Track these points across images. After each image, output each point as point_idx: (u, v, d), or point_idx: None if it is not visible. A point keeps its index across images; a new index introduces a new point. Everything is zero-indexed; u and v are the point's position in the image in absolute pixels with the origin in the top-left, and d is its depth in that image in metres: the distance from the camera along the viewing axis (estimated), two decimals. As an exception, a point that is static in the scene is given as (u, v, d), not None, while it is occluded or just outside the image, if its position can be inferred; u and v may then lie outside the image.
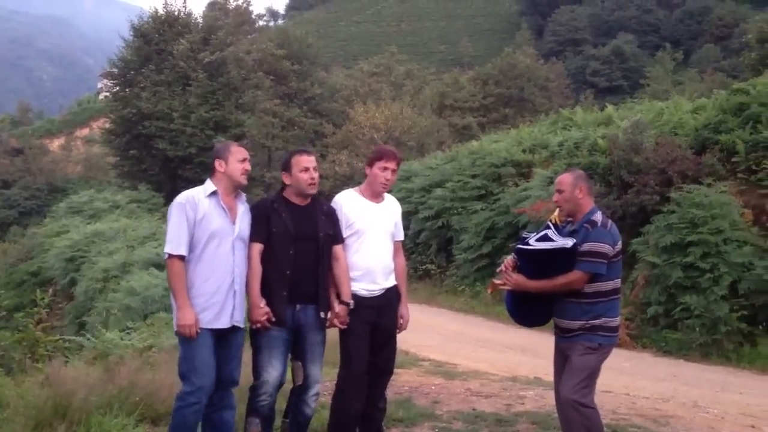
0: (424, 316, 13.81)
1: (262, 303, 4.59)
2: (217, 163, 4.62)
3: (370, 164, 5.03)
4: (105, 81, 45.38)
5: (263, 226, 4.69)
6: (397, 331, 5.11)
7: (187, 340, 4.38)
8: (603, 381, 7.07)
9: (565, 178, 4.69)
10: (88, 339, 9.27)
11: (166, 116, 33.20)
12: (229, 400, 4.62)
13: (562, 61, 67.75)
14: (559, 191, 4.67)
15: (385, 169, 4.99)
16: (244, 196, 4.77)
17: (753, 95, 12.56)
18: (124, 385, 5.48)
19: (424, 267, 17.44)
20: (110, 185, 38.96)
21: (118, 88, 36.95)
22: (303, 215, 4.78)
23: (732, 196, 11.13)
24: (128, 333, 9.33)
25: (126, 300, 13.04)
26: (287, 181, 4.82)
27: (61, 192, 43.53)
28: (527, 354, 10.01)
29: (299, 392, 4.79)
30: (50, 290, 18.32)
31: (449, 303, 15.38)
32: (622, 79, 69.27)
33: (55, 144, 61.92)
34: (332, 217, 4.90)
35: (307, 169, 4.76)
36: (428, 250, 17.87)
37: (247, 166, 4.68)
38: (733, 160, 11.75)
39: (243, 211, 4.68)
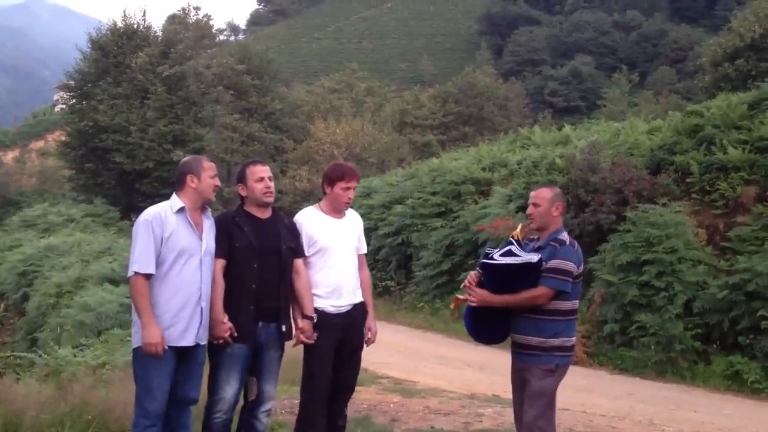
0: (383, 333, 13.65)
1: (225, 318, 4.52)
2: (188, 178, 4.53)
3: (331, 184, 4.98)
4: (61, 93, 44.81)
5: (225, 241, 4.62)
6: (365, 344, 5.09)
7: (144, 359, 4.29)
8: (560, 399, 7.10)
9: (544, 193, 4.66)
10: (40, 356, 9.08)
11: (124, 129, 32.84)
12: (186, 419, 4.53)
13: (521, 81, 68.48)
14: (536, 205, 4.63)
15: (347, 189, 4.97)
16: (209, 210, 4.71)
17: (707, 117, 12.80)
18: (76, 403, 5.37)
19: (383, 283, 17.43)
20: (65, 199, 38.34)
21: (74, 100, 36.49)
22: (265, 229, 4.73)
23: (686, 216, 11.31)
24: (81, 350, 9.17)
25: (79, 316, 12.80)
26: (243, 192, 4.78)
27: (15, 205, 42.64)
28: (486, 371, 10.03)
29: (251, 408, 4.73)
30: (2, 305, 17.98)
31: (408, 320, 15.36)
32: (580, 100, 70.28)
33: (9, 156, 60.72)
34: (294, 231, 4.87)
35: (262, 179, 4.72)
36: (388, 267, 17.86)
37: (217, 181, 4.64)
38: (688, 180, 11.95)
39: (209, 225, 4.61)
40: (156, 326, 4.26)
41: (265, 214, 4.80)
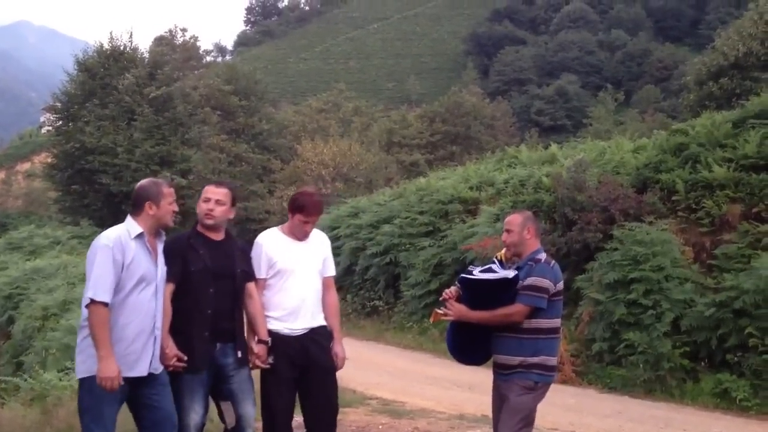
0: (371, 353, 13.73)
1: (169, 344, 4.42)
2: (147, 204, 4.39)
3: (292, 212, 4.93)
4: (48, 115, 44.79)
5: (178, 264, 4.52)
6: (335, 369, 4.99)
7: (96, 391, 4.11)
8: (549, 418, 7.11)
9: (515, 219, 4.80)
10: (26, 380, 8.99)
11: (110, 151, 32.77)
12: None
13: (507, 100, 68.89)
14: (508, 231, 4.77)
15: (306, 223, 4.91)
16: (164, 235, 4.59)
17: (692, 135, 12.88)
18: (62, 427, 5.33)
19: (372, 303, 17.38)
20: (51, 220, 38.17)
21: (61, 122, 36.44)
22: (220, 251, 4.67)
23: (673, 234, 11.34)
24: (67, 373, 9.06)
25: (65, 339, 12.67)
26: (197, 209, 4.75)
27: (0, 227, 42.42)
28: (475, 391, 9.99)
29: None
30: (-14, 329, 17.82)
31: (397, 340, 15.32)
32: (566, 119, 70.75)
33: (-5, 178, 60.47)
34: (247, 254, 4.83)
35: (208, 200, 4.66)
36: (376, 287, 17.82)
37: (176, 207, 4.52)
38: (674, 198, 12.00)
39: (161, 251, 4.51)
40: (114, 360, 4.08)
41: (219, 236, 4.73)
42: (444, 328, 5.11)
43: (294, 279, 4.87)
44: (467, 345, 4.81)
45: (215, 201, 4.65)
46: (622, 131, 31.22)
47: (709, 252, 11.22)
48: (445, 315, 4.67)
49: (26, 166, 63.98)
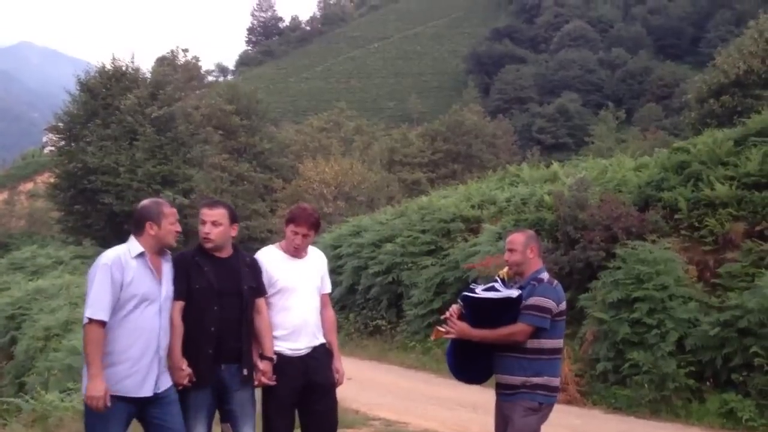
0: (374, 373, 13.66)
1: (184, 365, 4.41)
2: (148, 225, 4.40)
3: (286, 224, 4.94)
4: (50, 135, 44.83)
5: (184, 282, 4.50)
6: (335, 385, 4.98)
7: (98, 416, 4.13)
8: (555, 440, 7.02)
9: (517, 238, 4.77)
10: (27, 401, 8.97)
11: (113, 171, 32.87)
12: None
13: (508, 119, 69.12)
14: (511, 250, 4.75)
15: (296, 233, 4.88)
16: (168, 254, 4.58)
17: (693, 153, 12.86)
18: (63, 450, 5.28)
19: (374, 323, 17.31)
20: (54, 240, 38.19)
21: (63, 142, 36.58)
22: (226, 268, 4.63)
23: (676, 252, 11.30)
24: (69, 394, 9.04)
25: (67, 359, 12.65)
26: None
27: (3, 248, 42.37)
28: (479, 411, 9.93)
29: None
30: (-12, 350, 17.79)
31: (400, 359, 15.25)
32: (567, 137, 70.94)
33: (-2, 199, 60.59)
34: (256, 269, 4.78)
35: (204, 222, 4.64)
36: (378, 306, 17.75)
37: (178, 227, 4.52)
38: (676, 217, 11.97)
39: (168, 269, 4.49)
40: (102, 380, 4.09)
41: (225, 253, 4.70)
42: (443, 344, 5.09)
43: (296, 297, 4.86)
44: (467, 363, 4.80)
45: (211, 223, 4.62)
46: (623, 149, 31.29)
47: (712, 271, 11.17)
48: (447, 333, 4.66)
49: (29, 186, 64.14)
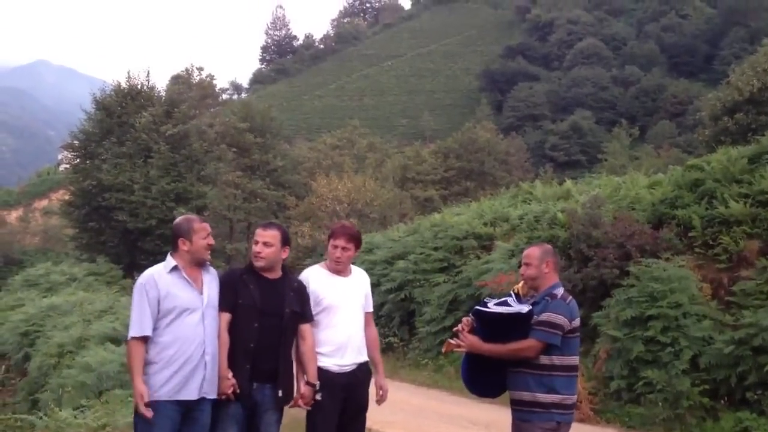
0: (386, 391, 13.60)
1: (230, 374, 4.54)
2: (180, 241, 4.61)
3: (328, 240, 5.11)
4: (65, 153, 45.15)
5: (231, 296, 4.65)
6: (378, 402, 5.09)
7: (143, 418, 4.33)
8: (568, 458, 6.96)
9: (533, 252, 4.77)
10: (41, 418, 9.01)
11: (127, 188, 33.02)
12: None
13: (521, 136, 69.07)
14: (527, 264, 4.74)
15: (335, 247, 5.00)
16: (209, 265, 4.76)
17: (707, 171, 12.82)
18: (76, 466, 5.31)
19: (387, 340, 17.27)
20: (68, 257, 38.37)
21: (78, 160, 36.76)
22: (271, 289, 4.73)
23: (690, 270, 11.25)
24: (82, 411, 9.08)
25: (80, 376, 12.70)
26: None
27: (18, 264, 42.69)
28: (492, 430, 9.89)
29: None
30: (3, 366, 17.87)
31: (412, 377, 15.20)
32: (581, 154, 70.82)
33: (13, 216, 60.99)
34: (302, 295, 4.86)
35: (256, 242, 4.80)
36: (391, 323, 17.73)
37: (211, 240, 4.70)
38: (690, 234, 11.92)
39: (210, 279, 4.66)
40: (141, 385, 4.37)
41: (274, 274, 4.80)
42: (460, 364, 5.10)
43: (341, 315, 4.95)
44: (480, 377, 4.80)
45: (263, 243, 4.78)
46: (637, 166, 31.20)
47: (726, 288, 11.11)
48: (458, 346, 4.66)
49: (44, 203, 64.66)
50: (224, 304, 4.64)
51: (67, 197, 37.37)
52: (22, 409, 14.16)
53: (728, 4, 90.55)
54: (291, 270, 5.01)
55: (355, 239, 5.12)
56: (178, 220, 4.79)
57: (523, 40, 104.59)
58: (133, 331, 4.44)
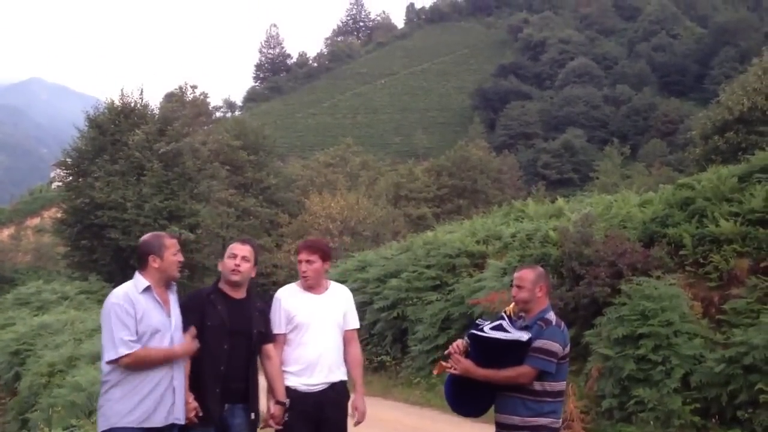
0: (378, 409, 13.54)
1: (191, 398, 4.45)
2: (151, 258, 4.49)
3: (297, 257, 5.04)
4: (58, 170, 45.12)
5: (195, 319, 4.56)
6: (355, 423, 4.97)
7: None
8: (559, 477, 6.96)
9: (527, 275, 4.72)
10: (30, 437, 8.95)
11: (120, 206, 32.94)
12: None
13: (514, 154, 69.36)
14: (519, 287, 4.69)
15: (300, 261, 4.97)
16: (174, 286, 4.65)
17: (698, 190, 12.88)
18: (65, 487, 5.28)
19: (379, 359, 17.24)
20: (60, 275, 38.20)
21: (71, 177, 36.68)
22: (238, 309, 4.69)
23: (681, 288, 11.28)
24: (72, 431, 9.02)
25: (71, 396, 12.61)
26: (220, 267, 4.80)
27: (9, 282, 42.50)
28: (483, 449, 9.87)
29: None
30: (-7, 386, 17.76)
31: (405, 396, 15.15)
32: (572, 172, 71.14)
33: (5, 233, 60.82)
34: (265, 315, 4.83)
35: (234, 256, 4.72)
36: (383, 341, 17.69)
37: (180, 257, 4.59)
38: (681, 253, 11.95)
39: (174, 300, 4.57)
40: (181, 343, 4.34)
41: (239, 294, 4.75)
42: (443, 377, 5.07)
43: (312, 333, 4.87)
44: (465, 395, 4.74)
45: (241, 257, 4.72)
46: (628, 185, 31.29)
47: (717, 307, 11.14)
48: (451, 368, 4.64)
49: (36, 221, 64.45)
50: (185, 327, 4.54)
51: (59, 215, 37.28)
52: (11, 429, 14.08)
53: (718, 24, 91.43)
54: (251, 290, 4.95)
55: (318, 249, 5.01)
56: (146, 237, 4.68)
57: (516, 59, 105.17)
58: (120, 351, 4.21)
